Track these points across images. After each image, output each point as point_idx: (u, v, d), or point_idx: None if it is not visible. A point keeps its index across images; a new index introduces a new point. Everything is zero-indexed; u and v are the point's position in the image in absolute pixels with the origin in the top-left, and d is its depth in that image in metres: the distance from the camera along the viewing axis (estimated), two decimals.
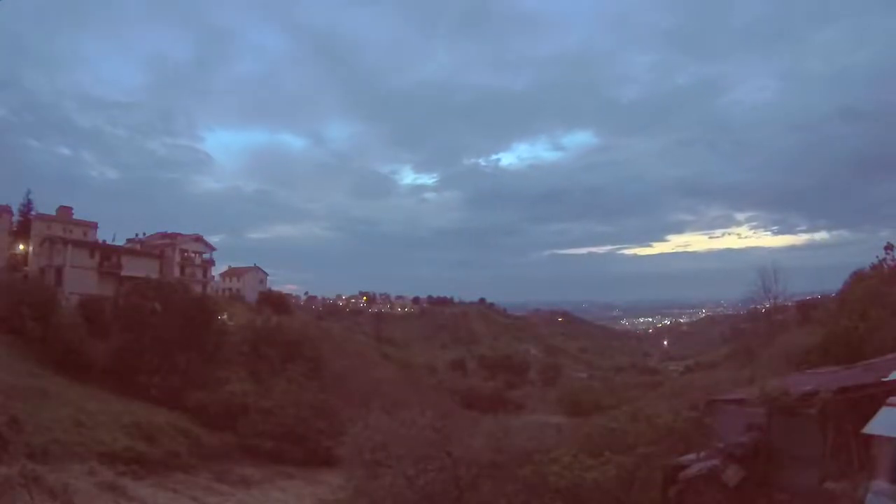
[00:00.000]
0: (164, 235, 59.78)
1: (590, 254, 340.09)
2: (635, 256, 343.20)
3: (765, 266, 35.00)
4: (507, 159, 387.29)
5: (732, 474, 8.97)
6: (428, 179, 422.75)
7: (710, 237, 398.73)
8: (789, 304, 40.70)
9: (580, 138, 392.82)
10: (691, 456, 10.03)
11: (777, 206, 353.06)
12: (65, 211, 50.85)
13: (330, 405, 28.14)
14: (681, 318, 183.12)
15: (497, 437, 13.40)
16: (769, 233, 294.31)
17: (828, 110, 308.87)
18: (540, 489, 11.11)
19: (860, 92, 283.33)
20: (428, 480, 11.77)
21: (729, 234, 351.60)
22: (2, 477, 10.46)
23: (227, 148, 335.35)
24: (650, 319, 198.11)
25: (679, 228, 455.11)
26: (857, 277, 28.21)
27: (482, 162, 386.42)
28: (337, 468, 22.36)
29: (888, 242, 25.97)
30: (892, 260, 25.51)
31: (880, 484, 6.81)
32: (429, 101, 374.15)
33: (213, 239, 64.38)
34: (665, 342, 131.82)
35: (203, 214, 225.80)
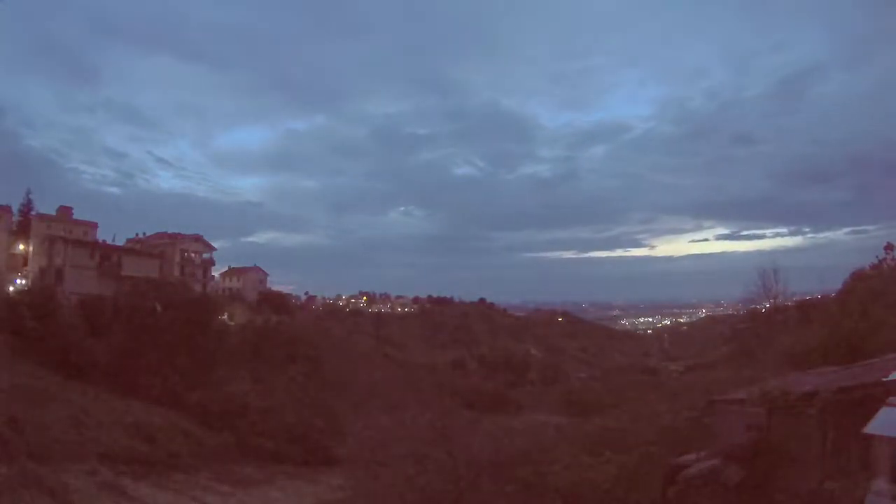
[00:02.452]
0: (165, 235, 59.82)
1: (590, 256, 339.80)
2: (635, 258, 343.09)
3: (764, 266, 34.98)
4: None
5: (732, 474, 8.97)
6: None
7: (692, 241, 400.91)
8: (789, 303, 40.68)
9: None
10: (691, 456, 10.02)
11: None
12: (65, 211, 50.90)
13: (330, 405, 28.17)
14: (681, 318, 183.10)
15: (497, 437, 13.41)
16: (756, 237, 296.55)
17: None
18: (540, 489, 11.11)
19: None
20: (428, 480, 11.77)
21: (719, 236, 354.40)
22: (2, 477, 10.46)
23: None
24: (650, 319, 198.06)
25: (675, 231, 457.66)
26: (858, 277, 28.19)
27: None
28: (337, 468, 22.41)
29: (888, 242, 25.99)
30: (893, 260, 25.52)
31: (880, 484, 6.81)
32: None
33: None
34: (665, 342, 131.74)
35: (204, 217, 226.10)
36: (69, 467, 14.46)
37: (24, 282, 41.34)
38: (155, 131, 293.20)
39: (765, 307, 39.35)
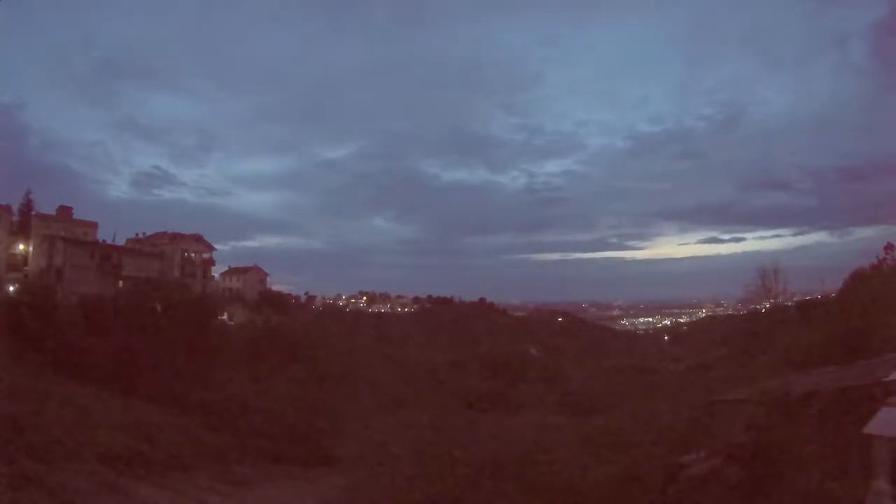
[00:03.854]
0: (165, 235, 59.83)
1: (590, 256, 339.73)
2: (635, 258, 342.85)
3: (764, 266, 35.06)
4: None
5: (732, 474, 8.96)
6: None
7: (684, 243, 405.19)
8: (789, 303, 40.71)
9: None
10: (691, 456, 10.02)
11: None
12: (65, 210, 50.89)
13: (330, 405, 28.17)
14: (681, 318, 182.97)
15: (497, 437, 13.43)
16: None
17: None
18: (540, 489, 11.10)
19: None
20: (428, 480, 11.78)
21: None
22: (2, 477, 10.46)
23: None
24: (650, 319, 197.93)
25: (674, 231, 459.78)
26: (857, 277, 28.21)
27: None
28: (337, 468, 22.41)
29: (888, 242, 26.03)
30: (893, 260, 25.54)
31: (880, 484, 6.81)
32: None
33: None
34: (665, 342, 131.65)
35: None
36: (69, 467, 14.44)
37: (15, 286, 41.25)
38: (179, 151, 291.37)
39: (764, 307, 39.36)
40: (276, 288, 76.83)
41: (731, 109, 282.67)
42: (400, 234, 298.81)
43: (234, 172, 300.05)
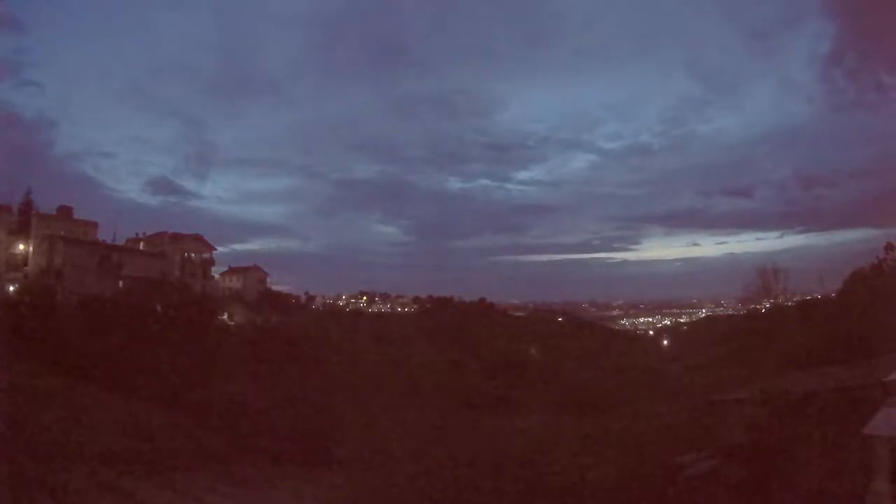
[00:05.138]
0: (165, 235, 59.85)
1: (590, 256, 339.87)
2: (634, 259, 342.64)
3: (764, 265, 35.08)
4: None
5: (732, 474, 8.97)
6: None
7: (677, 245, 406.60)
8: (789, 303, 40.70)
9: None
10: (691, 456, 10.02)
11: None
12: (65, 210, 50.89)
13: (330, 405, 28.15)
14: (681, 318, 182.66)
15: (497, 437, 13.43)
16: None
17: None
18: (540, 489, 11.11)
19: None
20: (428, 480, 11.78)
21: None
22: (2, 477, 10.46)
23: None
24: (650, 319, 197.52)
25: (659, 234, 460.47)
26: (857, 277, 28.23)
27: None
28: (337, 468, 22.39)
29: (888, 242, 26.06)
30: (893, 260, 25.56)
31: (880, 484, 6.81)
32: None
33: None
34: (665, 342, 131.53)
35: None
36: (69, 467, 14.45)
37: (15, 286, 41.25)
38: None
39: (764, 307, 39.36)
40: (276, 288, 76.83)
41: (682, 128, 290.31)
42: (393, 236, 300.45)
43: (242, 186, 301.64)
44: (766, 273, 35.10)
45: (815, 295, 43.66)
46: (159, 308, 29.86)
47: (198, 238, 61.07)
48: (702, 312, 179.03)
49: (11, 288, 38.23)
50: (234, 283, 69.39)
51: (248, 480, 20.57)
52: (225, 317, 39.10)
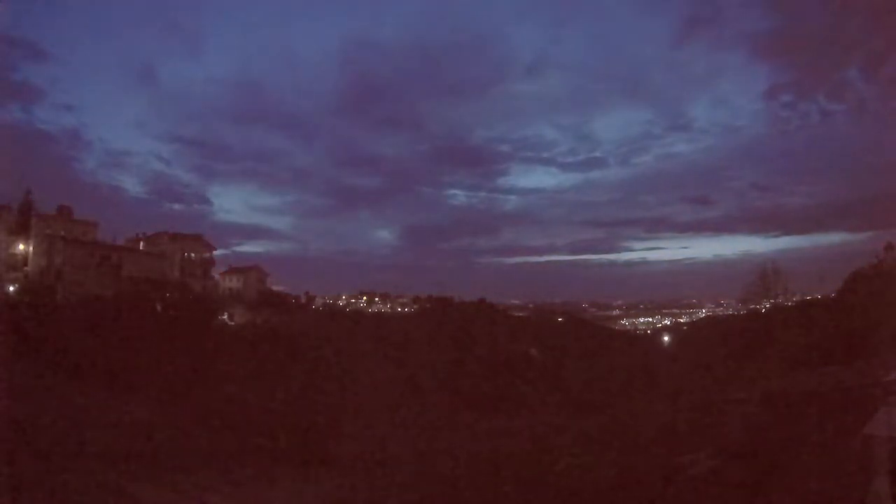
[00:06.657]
0: (165, 235, 59.83)
1: (590, 257, 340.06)
2: (635, 258, 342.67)
3: (765, 266, 35.08)
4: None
5: (732, 474, 8.97)
6: None
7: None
8: (789, 303, 40.67)
9: None
10: (691, 456, 10.02)
11: None
12: (65, 210, 50.90)
13: (330, 405, 28.16)
14: (681, 317, 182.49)
15: (497, 438, 13.43)
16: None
17: None
18: (540, 489, 11.10)
19: None
20: (428, 480, 11.78)
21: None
22: (2, 477, 10.45)
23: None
24: (650, 319, 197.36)
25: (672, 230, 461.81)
26: (857, 277, 28.24)
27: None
28: (337, 468, 22.39)
29: (888, 242, 26.06)
30: (892, 260, 25.56)
31: (880, 484, 6.81)
32: None
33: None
34: (665, 342, 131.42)
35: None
36: (69, 467, 14.45)
37: (15, 286, 41.27)
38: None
39: (764, 307, 39.35)
40: (276, 288, 76.76)
41: (634, 146, 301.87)
42: (389, 239, 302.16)
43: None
44: (766, 273, 35.08)
45: (815, 295, 43.64)
46: (159, 308, 29.85)
47: (198, 238, 61.06)
48: (702, 312, 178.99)
49: (11, 288, 38.24)
50: (234, 283, 69.33)
51: (248, 480, 20.58)
52: (225, 317, 39.09)
